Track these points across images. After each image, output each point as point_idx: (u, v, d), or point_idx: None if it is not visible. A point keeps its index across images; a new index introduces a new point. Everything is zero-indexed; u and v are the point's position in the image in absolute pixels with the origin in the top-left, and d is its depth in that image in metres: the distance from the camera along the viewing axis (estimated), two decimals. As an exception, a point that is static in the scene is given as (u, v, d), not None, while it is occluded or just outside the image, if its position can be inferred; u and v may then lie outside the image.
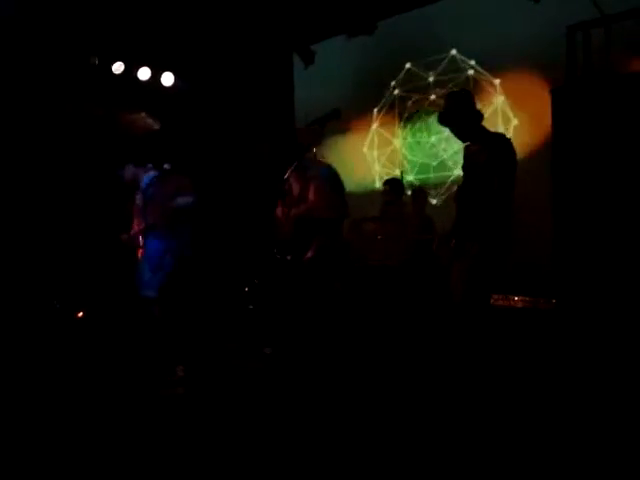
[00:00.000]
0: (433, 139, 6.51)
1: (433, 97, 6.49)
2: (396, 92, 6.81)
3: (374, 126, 7.03)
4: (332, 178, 4.44)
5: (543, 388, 3.73)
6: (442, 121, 3.91)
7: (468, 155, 3.84)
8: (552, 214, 4.76)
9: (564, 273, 4.65)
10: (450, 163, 6.39)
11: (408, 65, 6.68)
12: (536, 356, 4.32)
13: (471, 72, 6.18)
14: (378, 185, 6.82)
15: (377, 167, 7.03)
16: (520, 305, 5.31)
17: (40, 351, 5.27)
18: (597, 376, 3.79)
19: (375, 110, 7.00)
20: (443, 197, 6.41)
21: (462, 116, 3.78)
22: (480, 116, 3.84)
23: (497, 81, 6.00)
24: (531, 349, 4.45)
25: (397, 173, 6.59)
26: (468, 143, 3.87)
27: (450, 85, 6.21)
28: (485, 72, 6.09)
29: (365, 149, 7.10)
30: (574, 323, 4.48)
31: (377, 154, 7.02)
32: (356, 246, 5.89)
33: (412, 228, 5.65)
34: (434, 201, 6.44)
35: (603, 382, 3.68)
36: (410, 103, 6.69)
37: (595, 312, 4.34)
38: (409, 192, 6.20)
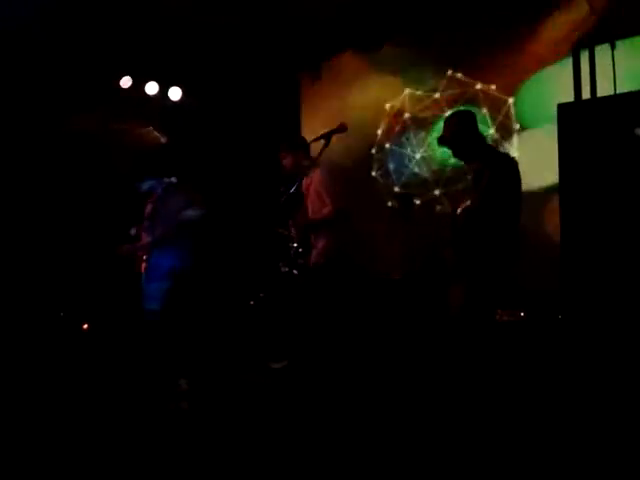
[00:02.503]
0: (439, 154, 6.50)
1: (441, 111, 6.49)
2: (405, 111, 6.82)
3: (380, 140, 7.04)
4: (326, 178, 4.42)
5: (548, 405, 3.72)
6: (442, 142, 3.88)
7: (472, 175, 3.83)
8: (560, 228, 4.75)
9: (570, 288, 4.64)
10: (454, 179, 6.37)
11: (417, 81, 6.69)
12: (541, 372, 4.30)
13: (479, 86, 6.20)
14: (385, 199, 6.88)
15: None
16: (525, 320, 5.30)
17: (45, 362, 5.27)
18: (604, 393, 3.77)
19: (382, 125, 7.02)
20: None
21: (462, 137, 3.74)
22: (481, 137, 3.81)
23: (511, 100, 6.00)
24: (536, 365, 4.43)
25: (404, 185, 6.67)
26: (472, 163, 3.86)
27: (458, 102, 6.23)
28: (494, 89, 6.09)
29: (373, 163, 7.10)
30: (580, 339, 4.47)
31: (384, 168, 7.03)
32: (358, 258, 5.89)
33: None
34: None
35: (610, 399, 3.66)
36: (418, 117, 6.71)
37: (602, 328, 4.33)
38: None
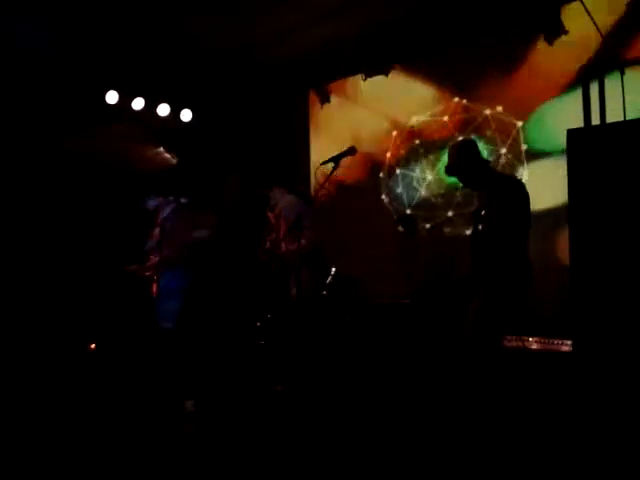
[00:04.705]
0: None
1: (450, 134, 6.49)
2: (411, 132, 6.85)
3: (388, 165, 7.05)
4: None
5: (556, 435, 3.67)
6: (449, 172, 3.96)
7: (480, 200, 3.87)
8: (569, 252, 4.72)
9: (581, 313, 4.59)
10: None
11: (425, 106, 6.72)
12: (551, 400, 4.25)
13: (488, 112, 6.21)
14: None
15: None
16: (534, 346, 5.25)
17: (51, 381, 5.26)
18: (614, 423, 3.72)
19: (390, 148, 7.04)
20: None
21: (467, 165, 3.82)
22: (486, 162, 3.88)
23: (520, 123, 6.02)
24: (545, 392, 4.38)
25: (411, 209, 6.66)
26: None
27: (467, 125, 6.26)
28: (505, 113, 6.10)
29: (381, 187, 7.10)
30: (591, 365, 4.41)
31: (392, 191, 7.03)
32: (367, 281, 5.92)
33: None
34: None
35: (620, 430, 3.60)
36: (427, 140, 6.72)
37: (613, 354, 4.27)
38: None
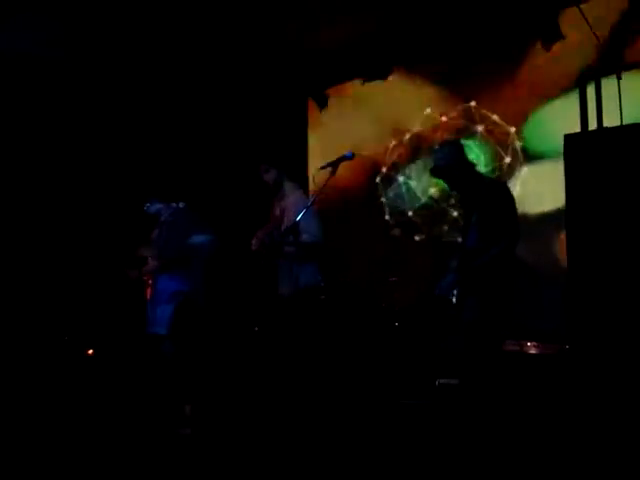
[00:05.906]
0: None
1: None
2: (408, 136, 6.87)
3: (386, 169, 7.07)
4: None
5: (553, 439, 3.67)
6: (435, 174, 3.87)
7: (465, 203, 3.83)
8: (567, 259, 4.73)
9: (577, 318, 4.60)
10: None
11: (424, 110, 6.74)
12: (548, 404, 4.25)
13: (479, 109, 6.25)
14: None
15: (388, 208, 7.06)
16: (532, 351, 5.26)
17: (48, 387, 5.25)
18: (610, 426, 3.72)
19: (388, 152, 7.05)
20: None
21: (454, 167, 3.73)
22: (472, 165, 3.80)
23: (512, 129, 6.04)
24: (543, 396, 4.39)
25: (409, 213, 6.68)
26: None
27: (463, 131, 6.28)
28: (500, 121, 6.13)
29: (379, 191, 7.12)
30: (587, 370, 4.42)
31: (389, 195, 7.04)
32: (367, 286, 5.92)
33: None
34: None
35: (617, 433, 3.60)
36: (424, 146, 6.74)
37: (609, 359, 4.28)
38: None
